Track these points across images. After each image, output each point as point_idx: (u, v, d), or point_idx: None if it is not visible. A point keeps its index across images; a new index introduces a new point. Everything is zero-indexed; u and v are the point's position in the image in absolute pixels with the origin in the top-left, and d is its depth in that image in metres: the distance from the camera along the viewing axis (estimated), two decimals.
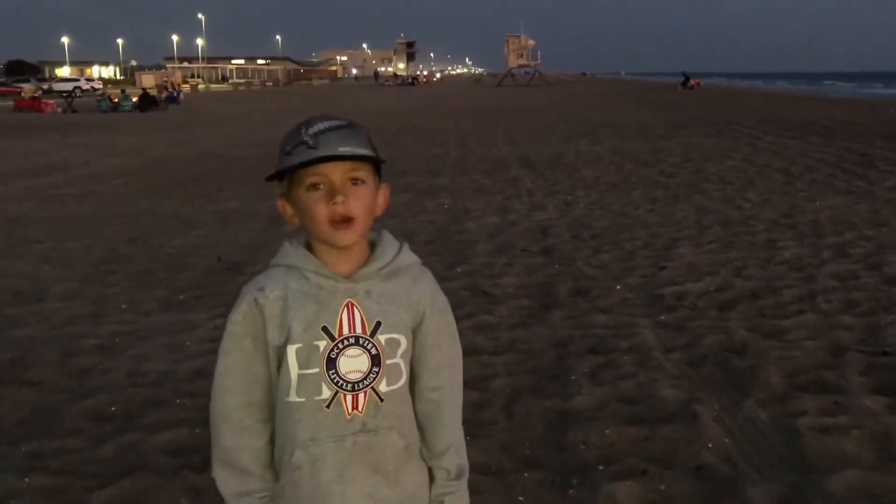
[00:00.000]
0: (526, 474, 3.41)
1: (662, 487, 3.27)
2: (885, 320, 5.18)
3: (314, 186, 1.61)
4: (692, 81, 53.53)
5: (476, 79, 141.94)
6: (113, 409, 4.22)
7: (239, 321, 1.69)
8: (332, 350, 1.65)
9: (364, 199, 1.63)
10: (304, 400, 1.66)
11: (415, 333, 1.71)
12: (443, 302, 1.77)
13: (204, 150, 18.11)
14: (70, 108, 38.58)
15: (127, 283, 6.74)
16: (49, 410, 4.20)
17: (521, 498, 3.25)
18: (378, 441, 1.68)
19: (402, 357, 1.70)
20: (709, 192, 10.69)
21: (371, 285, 1.68)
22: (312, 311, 1.65)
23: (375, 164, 1.66)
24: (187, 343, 5.19)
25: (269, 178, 1.67)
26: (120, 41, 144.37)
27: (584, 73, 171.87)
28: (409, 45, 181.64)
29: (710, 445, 3.62)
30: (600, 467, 3.45)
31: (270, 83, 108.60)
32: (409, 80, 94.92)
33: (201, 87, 69.92)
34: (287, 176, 1.63)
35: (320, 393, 1.65)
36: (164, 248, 8.04)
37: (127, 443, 3.82)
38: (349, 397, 1.65)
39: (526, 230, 8.48)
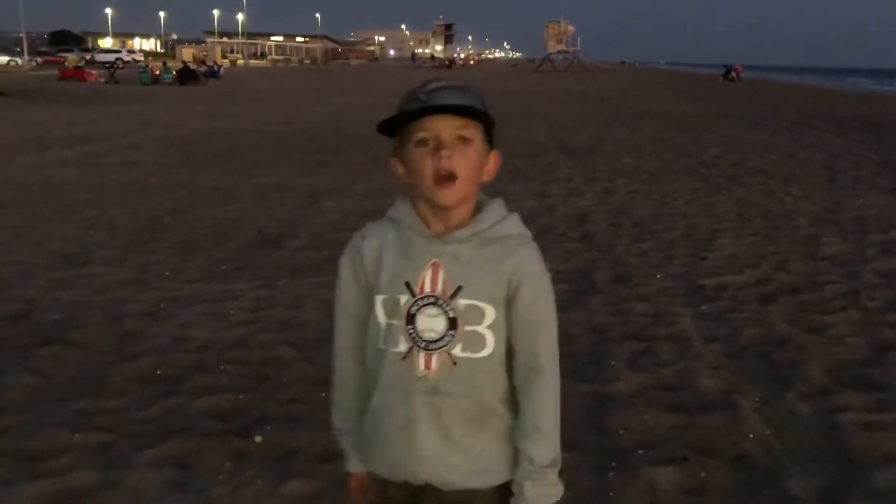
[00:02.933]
0: (565, 456, 3.42)
1: (703, 475, 3.27)
2: None
3: (423, 142, 1.62)
4: (734, 71, 52.71)
5: (514, 63, 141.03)
6: (158, 372, 4.30)
7: (345, 265, 1.77)
8: (412, 306, 1.67)
9: (470, 158, 1.62)
10: (385, 348, 1.70)
11: (508, 306, 1.67)
12: (541, 277, 1.71)
13: (242, 125, 18.25)
14: (113, 78, 39.04)
15: (169, 251, 6.85)
16: (96, 371, 4.30)
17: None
18: (448, 405, 1.68)
19: (488, 327, 1.67)
20: (750, 185, 10.57)
21: (461, 249, 1.67)
22: (400, 264, 1.68)
23: (487, 127, 1.65)
24: (231, 312, 5.27)
25: (381, 131, 1.68)
26: (161, 14, 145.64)
27: (623, 62, 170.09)
28: (448, 27, 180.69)
29: (750, 436, 3.60)
30: (639, 452, 3.46)
31: (308, 61, 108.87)
32: (447, 63, 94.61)
33: (240, 62, 70.24)
34: (399, 132, 1.65)
35: (398, 345, 1.68)
36: (204, 220, 8.14)
37: (172, 405, 3.90)
38: (422, 355, 1.67)
39: (563, 216, 8.45)
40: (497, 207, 1.71)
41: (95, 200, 9.07)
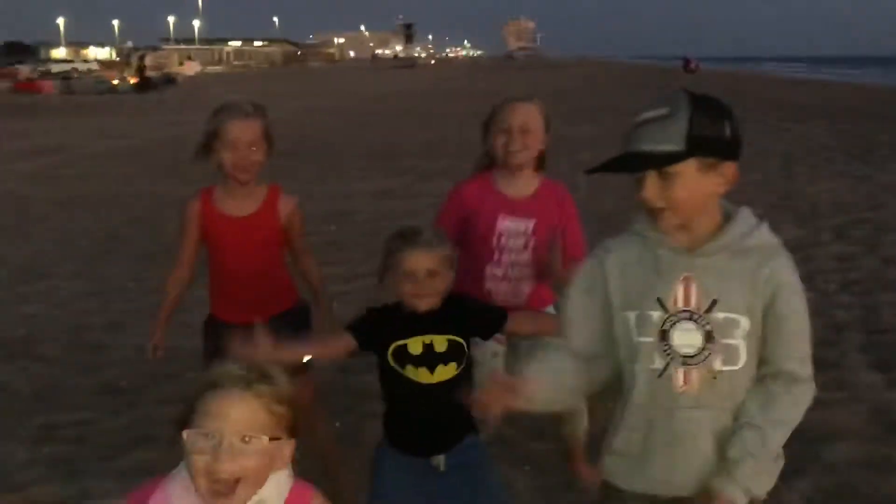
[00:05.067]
0: (540, 448, 3.49)
1: None
2: (883, 300, 5.27)
3: (637, 180, 1.63)
4: (692, 64, 53.45)
5: (474, 61, 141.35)
6: (123, 383, 4.29)
7: (582, 276, 1.78)
8: (666, 322, 1.65)
9: (674, 192, 1.60)
10: (640, 365, 1.69)
11: (763, 315, 1.64)
12: (797, 286, 1.68)
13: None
14: (68, 89, 38.48)
15: (130, 263, 6.80)
16: (62, 384, 4.28)
17: (526, 467, 3.33)
18: (711, 418, 1.66)
19: (743, 338, 1.64)
20: None
21: (713, 261, 1.64)
22: (649, 280, 1.67)
23: (707, 148, 1.62)
24: (195, 322, 5.24)
25: (589, 172, 1.73)
26: (115, 22, 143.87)
27: (584, 56, 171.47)
28: (408, 27, 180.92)
29: None
30: None
31: (267, 65, 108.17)
32: (410, 63, 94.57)
33: (188, 70, 68.42)
34: (597, 171, 1.69)
35: (653, 362, 1.67)
36: (165, 230, 8.05)
37: (139, 416, 3.89)
38: (681, 371, 1.65)
39: None
40: (745, 217, 1.69)
41: (54, 213, 8.98)
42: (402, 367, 2.24)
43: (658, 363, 1.66)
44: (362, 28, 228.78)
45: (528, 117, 2.78)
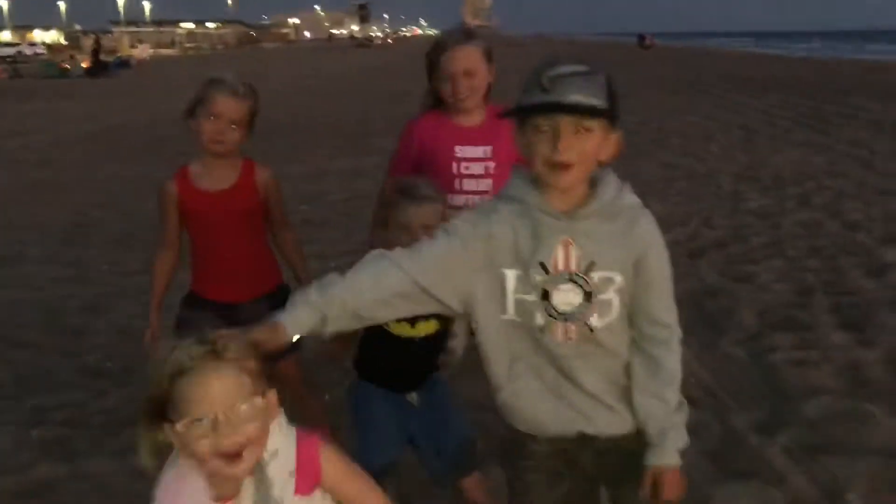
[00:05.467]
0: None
1: None
2: (848, 263, 5.45)
3: (539, 128, 1.65)
4: (647, 40, 53.80)
5: (432, 39, 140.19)
6: (109, 364, 4.28)
7: (467, 220, 1.77)
8: (548, 283, 1.72)
9: (586, 147, 1.65)
10: (520, 320, 1.76)
11: (634, 271, 1.74)
12: (662, 242, 1.78)
13: (161, 116, 17.80)
14: (16, 73, 37.46)
15: (104, 245, 6.73)
16: (46, 368, 4.25)
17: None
18: (591, 363, 1.78)
19: (616, 292, 1.73)
20: (672, 148, 10.92)
21: (589, 225, 1.71)
22: (531, 243, 1.72)
23: (614, 111, 1.67)
24: (175, 301, 5.24)
25: (501, 116, 1.75)
26: (62, 4, 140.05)
27: (542, 34, 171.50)
28: (363, 6, 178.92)
29: (692, 381, 3.82)
30: None
31: (221, 47, 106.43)
32: (366, 42, 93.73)
33: (141, 53, 66.62)
34: (518, 114, 1.69)
35: (534, 319, 1.74)
36: (137, 212, 7.98)
37: (127, 396, 3.89)
38: (561, 326, 1.74)
39: None
40: (612, 180, 1.76)
41: (18, 199, 8.81)
42: None
43: (539, 320, 1.74)
44: (317, 8, 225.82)
45: (469, 61, 2.83)
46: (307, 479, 1.57)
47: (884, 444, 3.20)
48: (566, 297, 1.72)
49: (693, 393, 3.69)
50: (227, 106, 2.74)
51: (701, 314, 4.68)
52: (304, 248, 3.10)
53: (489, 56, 2.91)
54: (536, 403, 1.82)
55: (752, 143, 11.06)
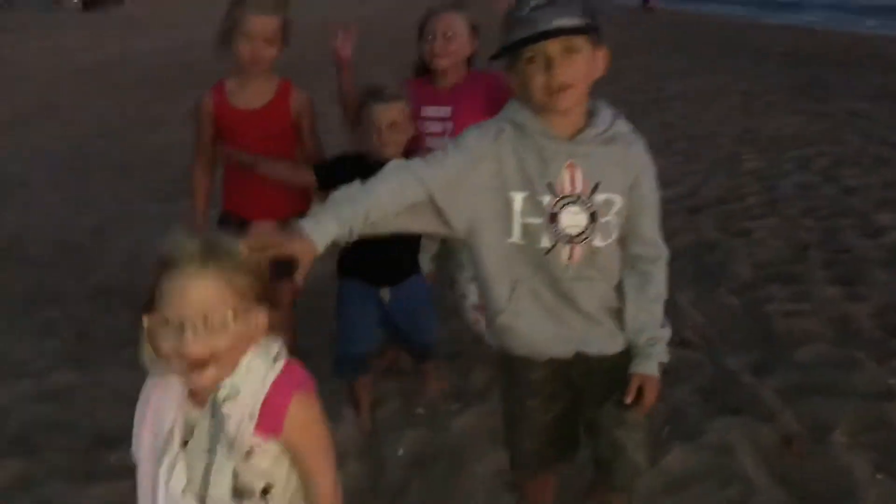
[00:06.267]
0: None
1: None
2: (843, 224, 5.55)
3: (532, 60, 1.71)
4: (650, 3, 53.10)
5: None
6: (116, 284, 4.35)
7: (477, 137, 1.80)
8: (555, 205, 1.78)
9: (579, 66, 1.72)
10: (525, 244, 1.82)
11: (629, 193, 1.84)
12: (653, 168, 1.89)
13: (160, 50, 17.63)
14: (8, 4, 36.78)
15: (106, 174, 6.76)
16: (55, 285, 4.33)
17: None
18: (589, 286, 1.86)
19: (615, 214, 1.82)
20: (672, 109, 10.95)
21: (590, 148, 1.79)
22: (538, 166, 1.78)
23: (596, 27, 1.74)
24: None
25: (493, 57, 1.79)
26: None
27: None
28: None
29: (687, 324, 3.94)
30: None
31: None
32: None
33: None
34: (507, 52, 1.74)
35: (540, 242, 1.80)
36: (139, 144, 8.00)
37: (136, 314, 3.97)
38: (566, 248, 1.81)
39: None
40: (607, 108, 1.85)
41: (18, 127, 8.79)
42: None
43: (546, 242, 1.80)
44: None
45: (449, 25, 2.94)
46: (267, 426, 1.48)
47: (868, 388, 3.33)
48: (573, 219, 1.78)
49: (688, 335, 3.82)
50: (261, 24, 2.76)
51: (698, 266, 4.78)
52: None
53: (474, 27, 3.00)
54: (535, 325, 1.89)
55: (752, 109, 11.09)
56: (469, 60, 3.03)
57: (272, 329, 1.51)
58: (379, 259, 2.75)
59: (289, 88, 2.93)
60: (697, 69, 16.36)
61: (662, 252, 1.95)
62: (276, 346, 1.52)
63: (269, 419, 1.47)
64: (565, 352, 1.93)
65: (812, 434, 3.03)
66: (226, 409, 1.46)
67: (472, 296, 3.10)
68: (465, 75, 3.02)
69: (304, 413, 1.50)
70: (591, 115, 1.82)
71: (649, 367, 1.92)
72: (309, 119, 2.96)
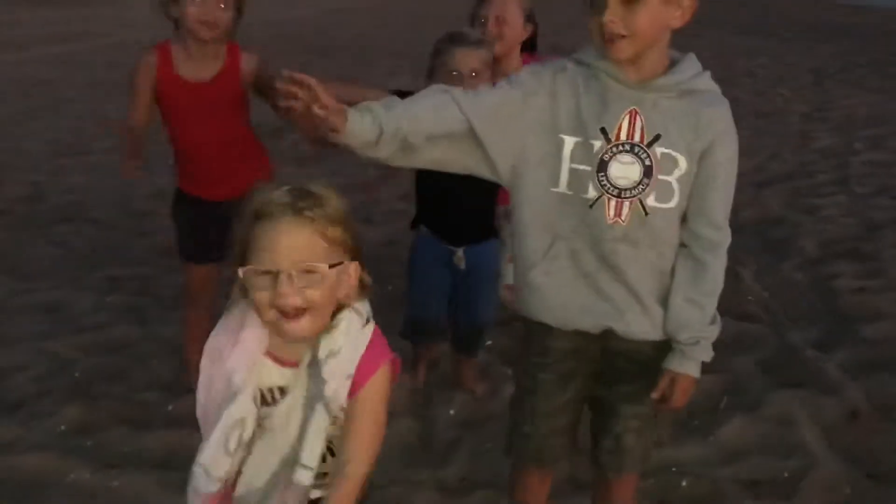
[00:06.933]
0: None
1: None
2: None
3: (593, 4, 1.59)
4: None
5: None
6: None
7: (533, 73, 1.67)
8: (606, 152, 1.61)
9: (637, 19, 1.57)
10: (571, 193, 1.65)
11: (700, 160, 1.64)
12: (734, 136, 1.68)
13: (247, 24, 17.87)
14: None
15: (163, 143, 6.81)
16: (116, 244, 4.42)
17: None
18: (635, 254, 1.65)
19: (678, 179, 1.63)
20: (741, 86, 10.65)
21: (660, 98, 1.63)
22: (595, 109, 1.62)
23: None
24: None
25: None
26: None
27: None
28: None
29: (750, 299, 3.83)
30: None
31: None
32: None
33: None
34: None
35: (586, 192, 1.63)
36: None
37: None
38: (613, 202, 1.63)
39: None
40: (693, 62, 1.68)
41: (87, 96, 8.99)
42: None
43: (592, 193, 1.63)
44: None
45: (502, 8, 2.83)
46: (353, 390, 1.47)
47: None
48: (624, 171, 1.61)
49: (750, 309, 3.71)
50: None
51: (763, 240, 4.64)
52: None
53: (527, 11, 2.90)
54: (568, 290, 1.70)
55: (823, 87, 10.72)
56: (527, 46, 2.93)
57: (363, 289, 1.49)
58: (458, 213, 2.61)
59: (237, 54, 2.60)
60: (766, 48, 15.88)
61: (725, 239, 1.71)
62: (367, 308, 1.50)
63: (357, 384, 1.46)
64: (594, 326, 1.73)
65: (879, 410, 2.92)
66: (327, 367, 1.44)
67: (508, 277, 2.99)
68: (523, 63, 2.88)
69: (381, 385, 1.47)
70: (672, 65, 1.66)
71: (686, 365, 1.70)
72: (266, 73, 2.59)
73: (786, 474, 2.56)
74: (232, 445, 1.46)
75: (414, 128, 1.60)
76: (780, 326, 3.54)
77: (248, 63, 2.60)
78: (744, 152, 6.25)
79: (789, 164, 6.40)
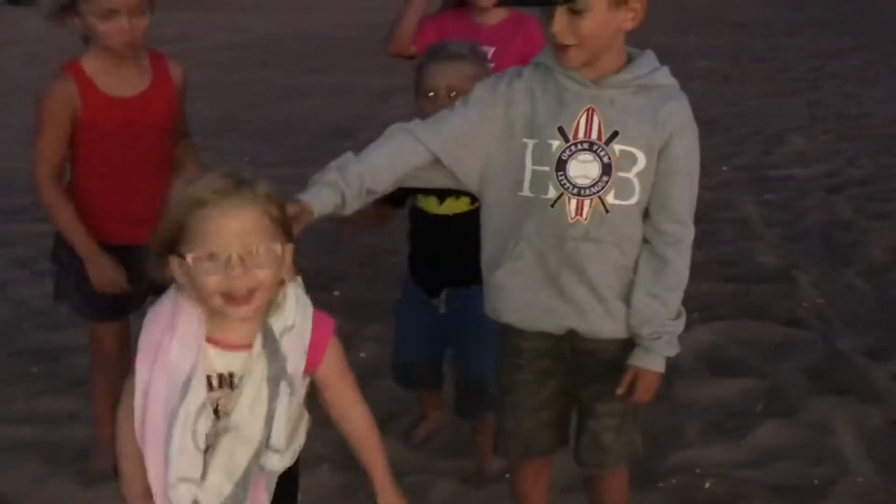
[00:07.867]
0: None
1: (753, 332, 3.44)
2: None
3: (546, 13, 1.61)
4: None
5: None
6: None
7: (486, 86, 1.72)
8: (564, 152, 1.64)
9: (583, 28, 1.59)
10: (533, 196, 1.68)
11: (659, 154, 1.65)
12: (693, 129, 1.68)
13: (312, 29, 18.34)
14: None
15: (246, 140, 7.18)
16: None
17: None
18: (598, 252, 1.67)
19: (637, 175, 1.65)
20: (827, 89, 10.28)
21: (617, 95, 1.64)
22: (553, 110, 1.65)
23: None
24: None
25: (498, 4, 1.84)
26: None
27: None
28: None
29: (804, 304, 3.75)
30: (695, 314, 3.63)
31: None
32: None
33: None
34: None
35: (547, 192, 1.66)
36: (279, 114, 8.42)
37: None
38: (574, 201, 1.65)
39: None
40: (650, 57, 1.70)
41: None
42: (415, 194, 2.28)
43: (552, 192, 1.65)
44: None
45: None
46: (311, 362, 1.49)
47: None
48: (583, 169, 1.63)
49: (801, 314, 3.64)
50: None
51: (827, 245, 4.52)
52: None
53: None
54: (531, 289, 1.72)
55: None
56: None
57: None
58: (438, 259, 2.36)
59: (163, 61, 2.31)
60: (863, 47, 15.23)
61: (688, 234, 1.71)
62: (300, 280, 1.53)
63: (313, 353, 1.49)
64: (556, 327, 1.75)
65: None
66: (285, 343, 1.44)
67: None
68: (511, 14, 2.77)
69: (338, 347, 1.54)
70: (629, 61, 1.69)
71: (648, 360, 1.71)
72: (184, 95, 2.39)
73: (815, 481, 2.52)
74: (200, 439, 1.42)
75: (375, 178, 1.67)
76: (831, 333, 3.45)
77: (175, 71, 2.34)
78: (817, 156, 6.18)
79: (866, 169, 6.16)
